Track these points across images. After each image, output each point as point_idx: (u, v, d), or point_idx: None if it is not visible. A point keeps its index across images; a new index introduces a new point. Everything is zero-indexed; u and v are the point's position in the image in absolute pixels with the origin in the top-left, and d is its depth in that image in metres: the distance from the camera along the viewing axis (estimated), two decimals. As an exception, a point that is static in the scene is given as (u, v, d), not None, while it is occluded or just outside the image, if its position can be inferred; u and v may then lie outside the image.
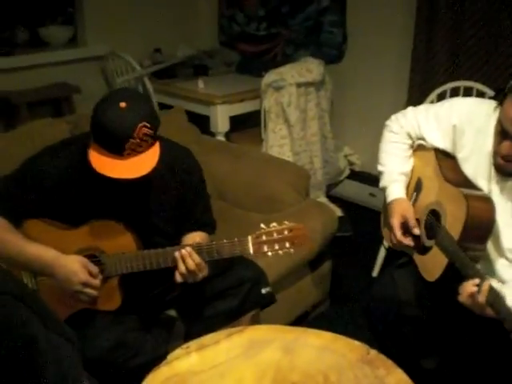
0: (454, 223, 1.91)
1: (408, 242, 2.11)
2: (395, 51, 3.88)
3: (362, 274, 3.35)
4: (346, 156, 4.19)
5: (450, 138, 2.09)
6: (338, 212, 3.90)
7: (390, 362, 1.77)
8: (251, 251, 1.94)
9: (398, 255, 2.26)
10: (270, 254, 1.94)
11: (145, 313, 2.20)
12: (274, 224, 1.93)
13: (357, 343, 1.86)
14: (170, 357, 1.79)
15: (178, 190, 2.14)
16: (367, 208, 4.06)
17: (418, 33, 3.62)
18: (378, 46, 3.97)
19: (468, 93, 3.16)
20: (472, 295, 1.76)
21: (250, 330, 1.93)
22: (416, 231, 2.08)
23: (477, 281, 1.76)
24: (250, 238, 1.93)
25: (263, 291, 2.28)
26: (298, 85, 3.68)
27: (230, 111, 3.85)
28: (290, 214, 2.82)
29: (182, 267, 1.95)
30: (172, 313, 2.30)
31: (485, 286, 1.73)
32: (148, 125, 1.83)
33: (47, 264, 1.95)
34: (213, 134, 3.82)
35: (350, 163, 4.23)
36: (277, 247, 1.94)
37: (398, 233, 2.11)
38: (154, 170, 1.90)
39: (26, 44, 4.41)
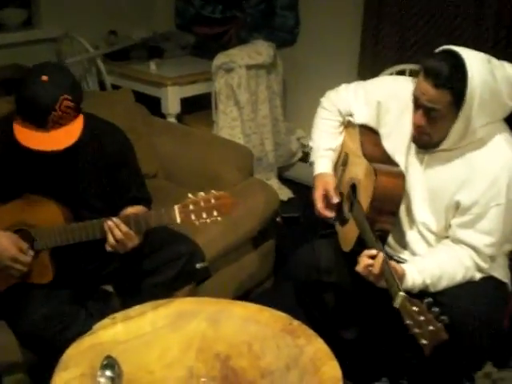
0: (364, 196, 1.99)
1: (328, 214, 2.17)
2: (346, 35, 3.92)
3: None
4: (298, 139, 4.24)
5: (374, 114, 2.15)
6: (289, 194, 3.97)
7: (310, 332, 1.83)
8: (178, 220, 1.95)
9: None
10: (197, 222, 1.95)
11: (81, 287, 2.24)
12: (202, 193, 1.95)
13: (281, 314, 1.91)
14: (95, 327, 1.83)
15: (109, 165, 2.17)
16: (319, 190, 4.11)
17: (366, 17, 3.67)
18: (330, 29, 4.00)
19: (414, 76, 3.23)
20: (368, 266, 1.83)
21: (176, 303, 1.98)
22: (335, 200, 2.15)
23: (373, 252, 1.83)
24: (176, 207, 1.95)
25: (197, 266, 2.32)
26: (248, 67, 3.71)
27: (181, 93, 3.86)
28: (232, 193, 2.86)
29: (110, 238, 2.00)
30: (108, 288, 2.33)
31: (379, 259, 1.80)
32: (70, 97, 1.87)
33: None
34: (164, 116, 3.84)
35: (303, 146, 4.27)
36: (204, 216, 1.94)
37: (320, 204, 2.17)
38: (79, 143, 1.94)
39: (-20, 26, 4.39)
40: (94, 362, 1.64)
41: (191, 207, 1.94)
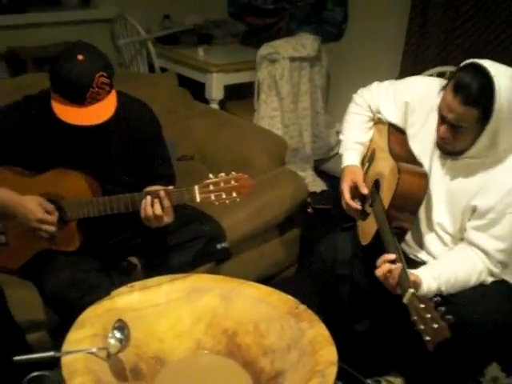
0: (387, 193, 2.03)
1: (356, 205, 2.21)
2: (392, 33, 3.95)
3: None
4: (337, 132, 4.28)
5: (402, 114, 2.19)
6: (322, 186, 4.03)
7: (314, 317, 1.88)
8: (198, 199, 2.03)
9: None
10: (217, 203, 2.03)
11: (107, 257, 2.35)
12: (222, 174, 2.02)
13: (289, 297, 1.97)
14: (113, 293, 1.94)
15: (135, 141, 2.26)
16: (353, 185, 4.16)
17: (412, 17, 3.68)
18: (376, 27, 4.03)
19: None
20: (387, 273, 1.84)
21: (192, 278, 2.06)
22: (364, 190, 2.19)
23: (392, 256, 1.85)
24: (196, 187, 2.03)
25: (218, 246, 2.42)
26: (292, 59, 3.78)
27: (225, 80, 3.95)
28: (262, 180, 2.96)
29: (149, 211, 2.06)
30: (133, 260, 2.44)
31: (396, 270, 1.81)
32: (105, 74, 1.98)
33: (7, 204, 2.11)
34: (208, 102, 3.94)
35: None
36: (224, 196, 2.01)
37: (347, 195, 2.22)
38: (113, 117, 2.04)
39: (40, 2, 4.56)
40: (107, 325, 1.74)
41: (211, 187, 2.02)
